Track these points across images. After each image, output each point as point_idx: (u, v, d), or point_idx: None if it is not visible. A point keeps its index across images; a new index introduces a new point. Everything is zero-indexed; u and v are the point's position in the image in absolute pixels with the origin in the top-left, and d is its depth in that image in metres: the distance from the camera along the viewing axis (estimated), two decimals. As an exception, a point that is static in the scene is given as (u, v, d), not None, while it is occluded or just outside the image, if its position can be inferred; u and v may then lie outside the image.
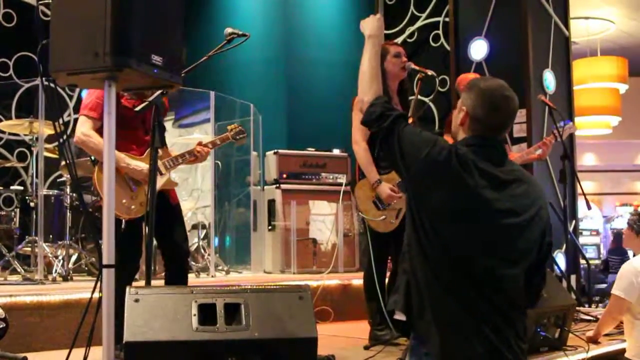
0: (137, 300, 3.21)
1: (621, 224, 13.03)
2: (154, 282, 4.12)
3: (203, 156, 4.86)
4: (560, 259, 7.69)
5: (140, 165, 4.48)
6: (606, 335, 5.09)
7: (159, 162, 4.52)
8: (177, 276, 4.65)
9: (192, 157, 4.80)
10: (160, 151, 4.58)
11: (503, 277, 2.90)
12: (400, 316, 3.03)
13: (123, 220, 4.41)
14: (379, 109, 3.10)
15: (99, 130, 4.47)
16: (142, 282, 4.25)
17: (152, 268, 5.41)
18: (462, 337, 2.84)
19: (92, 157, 4.72)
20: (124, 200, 4.41)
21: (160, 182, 4.54)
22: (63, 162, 6.93)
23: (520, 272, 2.93)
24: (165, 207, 4.58)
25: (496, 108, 3.02)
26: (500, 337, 2.84)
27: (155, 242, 4.54)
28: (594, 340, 4.98)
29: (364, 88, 3.25)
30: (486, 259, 2.87)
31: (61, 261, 6.70)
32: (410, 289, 2.98)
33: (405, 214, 3.15)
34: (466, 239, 2.87)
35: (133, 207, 4.45)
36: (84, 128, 4.45)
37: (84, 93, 8.57)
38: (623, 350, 4.94)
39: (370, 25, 3.44)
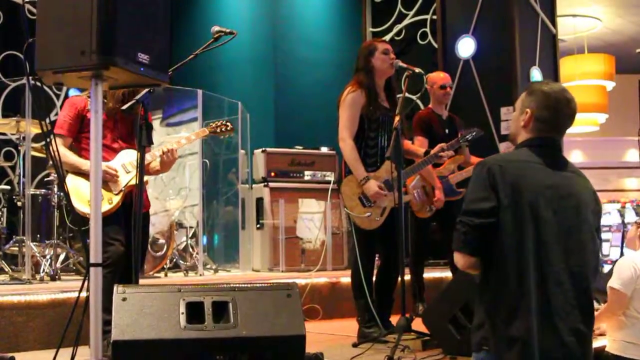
0: (124, 299, 3.20)
1: (609, 220, 13.06)
2: (142, 281, 4.11)
3: (169, 159, 4.78)
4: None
5: None
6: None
7: (127, 162, 4.72)
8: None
9: (160, 153, 4.76)
10: (130, 152, 4.76)
11: None
12: None
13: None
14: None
15: (74, 145, 4.80)
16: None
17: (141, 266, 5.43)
18: None
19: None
20: (88, 199, 4.41)
21: (126, 178, 4.69)
22: (50, 162, 6.91)
23: None
24: (130, 213, 4.60)
25: (559, 109, 3.20)
26: None
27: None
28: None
29: None
30: None
31: (49, 260, 6.67)
32: None
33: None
34: None
35: None
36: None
37: (71, 92, 8.60)
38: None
39: None
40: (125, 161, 4.76)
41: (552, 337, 2.94)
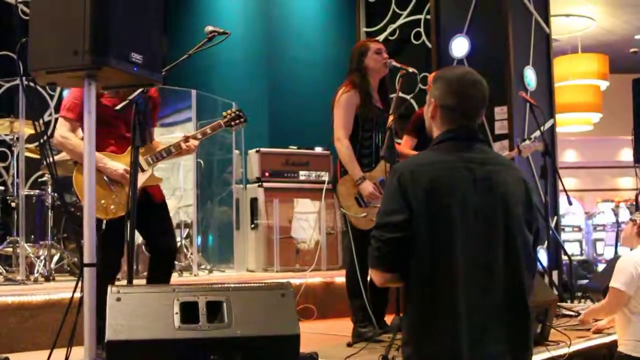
0: (119, 299, 3.20)
1: (603, 220, 13.11)
2: (136, 282, 4.11)
3: (191, 149, 4.73)
4: (542, 255, 7.73)
5: (117, 165, 4.45)
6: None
7: (141, 159, 4.50)
8: (161, 274, 4.59)
9: (177, 150, 4.68)
10: (142, 147, 4.56)
11: None
12: None
13: (104, 221, 4.37)
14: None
15: (79, 130, 4.52)
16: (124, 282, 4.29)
17: (134, 267, 5.42)
18: None
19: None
20: (102, 201, 4.37)
21: (142, 179, 4.48)
22: (44, 162, 6.90)
23: None
24: (148, 206, 4.54)
25: (463, 93, 2.93)
26: None
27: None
28: (584, 322, 5.06)
29: None
30: None
31: (43, 261, 6.67)
32: None
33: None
34: None
35: (112, 207, 4.41)
36: (61, 130, 4.45)
37: (65, 92, 8.57)
38: (605, 345, 4.97)
39: None
40: (139, 157, 4.41)
41: (480, 351, 2.70)
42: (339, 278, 6.78)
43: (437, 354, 2.72)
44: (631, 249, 5.04)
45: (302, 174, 8.33)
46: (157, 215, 4.67)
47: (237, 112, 5.06)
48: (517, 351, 2.78)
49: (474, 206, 2.77)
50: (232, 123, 5.03)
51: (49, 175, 6.87)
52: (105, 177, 4.44)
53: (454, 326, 2.69)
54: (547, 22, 8.79)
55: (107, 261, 4.33)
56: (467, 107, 2.94)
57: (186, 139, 4.71)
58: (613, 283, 4.79)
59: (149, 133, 4.68)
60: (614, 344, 4.87)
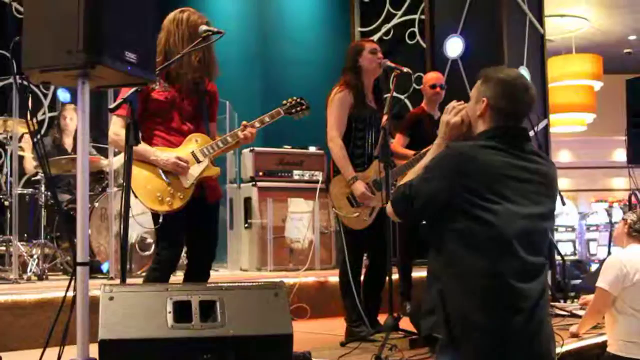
0: (111, 298, 3.19)
1: (596, 220, 13.14)
2: (129, 281, 4.10)
3: (248, 138, 4.57)
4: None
5: (168, 155, 4.33)
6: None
7: (196, 150, 4.42)
8: (194, 278, 4.49)
9: (234, 140, 4.55)
10: (199, 138, 4.46)
11: None
12: None
13: (160, 215, 4.30)
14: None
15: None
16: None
17: (128, 266, 5.41)
18: None
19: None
20: (158, 193, 4.28)
21: (198, 170, 4.40)
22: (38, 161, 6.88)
23: None
24: (199, 206, 4.43)
25: (517, 97, 3.10)
26: None
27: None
28: (576, 335, 5.02)
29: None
30: None
31: (36, 260, 6.66)
32: None
33: None
34: None
35: (168, 199, 4.30)
36: (114, 128, 4.35)
37: (59, 91, 8.56)
38: (597, 345, 4.97)
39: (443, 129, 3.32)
40: (195, 148, 4.43)
41: (521, 331, 2.89)
42: (333, 277, 6.77)
43: (482, 329, 2.88)
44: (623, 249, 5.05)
45: (296, 174, 8.33)
46: (204, 220, 4.51)
47: (298, 100, 4.90)
48: (547, 340, 3.01)
49: (518, 201, 2.96)
50: (293, 111, 4.88)
51: (42, 174, 6.87)
52: (159, 170, 4.33)
53: (502, 306, 2.88)
54: (542, 23, 8.81)
55: (162, 256, 4.31)
56: (518, 110, 3.12)
57: (244, 127, 4.57)
58: (598, 283, 4.79)
59: (208, 128, 4.61)
60: (606, 344, 4.88)
